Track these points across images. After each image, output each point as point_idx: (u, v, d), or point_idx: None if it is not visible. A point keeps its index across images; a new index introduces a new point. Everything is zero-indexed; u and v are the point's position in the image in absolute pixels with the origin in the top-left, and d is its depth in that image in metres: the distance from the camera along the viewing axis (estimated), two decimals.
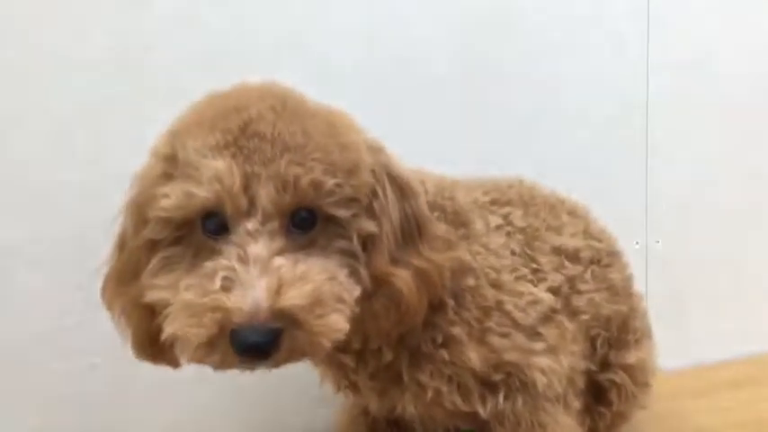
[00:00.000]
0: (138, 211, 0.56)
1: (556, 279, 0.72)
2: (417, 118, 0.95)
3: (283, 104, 0.56)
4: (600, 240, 0.78)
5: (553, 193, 0.80)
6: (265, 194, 0.52)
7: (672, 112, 1.02)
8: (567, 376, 0.70)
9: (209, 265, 0.52)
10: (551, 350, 0.68)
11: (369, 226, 0.57)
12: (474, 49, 0.95)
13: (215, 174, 0.52)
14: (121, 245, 0.60)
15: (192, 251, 0.55)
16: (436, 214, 0.66)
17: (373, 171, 0.58)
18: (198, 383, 0.98)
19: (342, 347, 0.65)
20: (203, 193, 0.52)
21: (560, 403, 0.70)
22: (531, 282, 0.70)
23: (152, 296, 0.55)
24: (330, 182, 0.54)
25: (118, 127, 0.87)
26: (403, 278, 0.58)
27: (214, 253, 0.53)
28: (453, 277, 0.64)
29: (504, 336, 0.67)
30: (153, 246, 0.56)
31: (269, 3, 0.89)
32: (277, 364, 0.53)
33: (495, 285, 0.67)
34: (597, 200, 0.82)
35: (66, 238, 0.90)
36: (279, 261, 0.51)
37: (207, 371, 0.95)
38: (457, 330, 0.65)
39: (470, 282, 0.66)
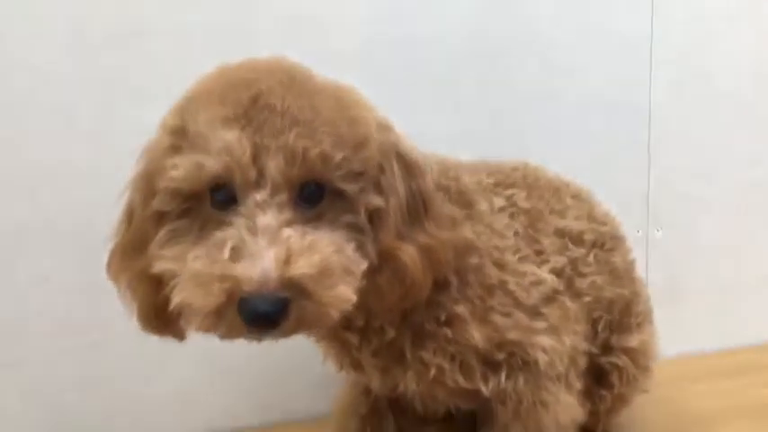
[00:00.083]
0: (147, 183, 0.57)
1: (559, 261, 0.72)
2: (424, 99, 0.95)
3: (292, 78, 0.56)
4: (604, 224, 0.79)
5: (557, 176, 0.80)
6: (274, 166, 0.52)
7: (674, 102, 1.02)
8: (569, 356, 0.71)
9: (218, 235, 0.52)
10: (553, 330, 0.69)
11: (376, 201, 0.57)
12: (484, 34, 0.95)
13: (225, 145, 0.52)
14: (128, 218, 0.60)
15: (200, 224, 0.55)
16: (440, 195, 0.67)
17: (381, 147, 0.58)
18: (199, 363, 0.98)
19: (345, 325, 0.65)
20: (213, 164, 0.52)
21: (562, 382, 0.70)
22: (534, 263, 0.70)
23: (159, 267, 0.55)
24: (338, 155, 0.54)
25: (120, 107, 0.88)
26: (409, 253, 0.58)
27: (222, 225, 0.53)
28: (457, 256, 0.64)
29: (507, 315, 0.67)
30: (160, 218, 0.56)
31: None
32: (284, 335, 0.53)
33: (499, 265, 0.68)
34: (599, 187, 0.83)
35: (68, 217, 0.90)
36: (287, 232, 0.52)
37: (208, 352, 0.97)
38: (460, 308, 0.65)
39: (474, 261, 0.66)
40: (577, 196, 0.79)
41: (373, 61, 0.93)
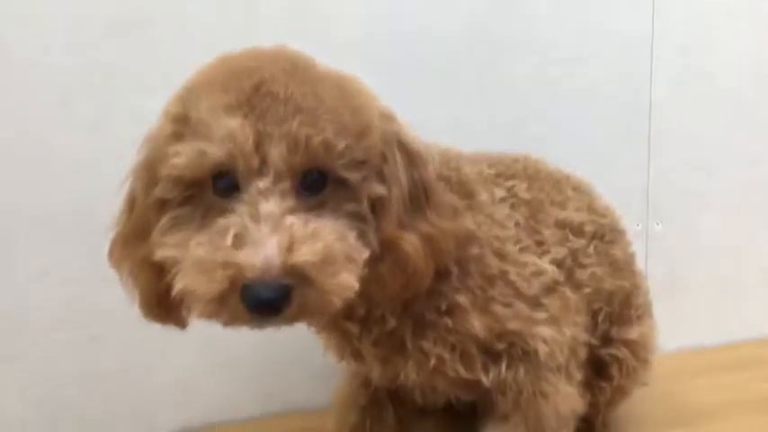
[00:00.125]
0: (149, 171, 0.57)
1: (559, 252, 0.72)
2: (423, 93, 0.95)
3: (295, 66, 0.56)
4: (603, 216, 0.79)
5: (558, 169, 0.81)
6: (277, 154, 0.52)
7: (675, 99, 1.03)
8: (570, 346, 0.71)
9: (220, 222, 0.52)
10: (554, 320, 0.69)
11: (378, 189, 0.57)
12: (484, 29, 0.96)
13: (228, 132, 0.52)
14: (130, 206, 0.60)
15: (202, 211, 0.55)
16: (441, 185, 0.67)
17: (384, 136, 0.58)
18: (200, 354, 0.98)
19: (346, 314, 0.66)
20: (216, 152, 0.52)
21: (562, 373, 0.70)
22: (534, 253, 0.70)
23: (161, 254, 0.55)
24: (341, 143, 0.54)
25: (118, 96, 0.87)
26: (411, 242, 0.58)
27: (225, 212, 0.53)
28: (458, 246, 0.64)
29: (508, 305, 0.67)
30: (162, 206, 0.56)
31: None
32: (287, 322, 0.53)
33: (500, 255, 0.68)
34: (599, 181, 0.83)
35: (68, 209, 0.90)
36: (290, 219, 0.52)
37: (209, 342, 0.97)
38: (461, 298, 0.66)
39: (475, 251, 0.67)
40: (578, 188, 0.79)
41: (374, 54, 0.93)
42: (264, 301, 0.50)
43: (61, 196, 0.89)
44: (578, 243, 0.74)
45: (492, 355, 0.68)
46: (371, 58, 0.93)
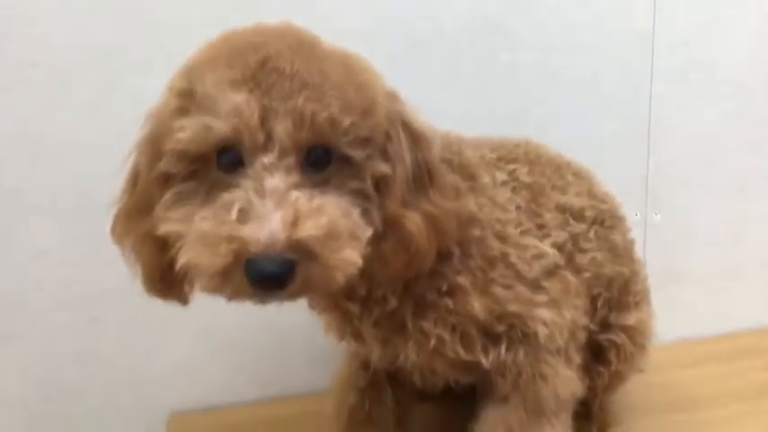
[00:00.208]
0: (153, 146, 0.57)
1: (560, 236, 0.73)
2: (426, 80, 0.95)
3: (301, 43, 0.56)
4: (604, 202, 0.80)
5: (559, 154, 0.81)
6: (283, 129, 0.52)
7: (675, 86, 1.03)
8: (569, 330, 0.71)
9: (225, 196, 0.52)
10: (554, 303, 0.69)
11: (382, 167, 0.57)
12: (485, 16, 0.95)
13: (233, 107, 0.52)
14: (133, 182, 0.60)
15: (206, 187, 0.55)
16: (444, 167, 0.67)
17: (388, 115, 0.58)
18: (199, 338, 0.99)
19: (347, 294, 0.66)
20: (221, 126, 0.52)
21: (561, 356, 0.71)
22: (535, 236, 0.71)
23: (165, 228, 0.55)
24: (346, 120, 0.54)
25: (119, 77, 0.87)
26: (414, 220, 0.59)
27: (229, 187, 0.53)
28: (460, 227, 0.65)
29: (508, 287, 0.67)
30: (166, 181, 0.56)
31: None
32: (290, 297, 0.53)
33: (501, 237, 0.68)
34: (599, 170, 0.83)
35: (68, 190, 0.90)
36: (295, 194, 0.52)
37: (208, 327, 0.97)
38: (462, 279, 0.66)
39: (476, 232, 0.67)
40: (578, 174, 0.80)
41: (375, 43, 0.93)
42: (268, 275, 0.50)
43: (61, 178, 0.90)
44: (579, 228, 0.75)
45: (492, 337, 0.68)
46: (373, 46, 0.91)
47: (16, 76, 0.85)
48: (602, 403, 0.86)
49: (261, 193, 0.52)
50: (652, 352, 0.84)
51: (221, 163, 0.54)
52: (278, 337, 1.00)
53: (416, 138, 0.61)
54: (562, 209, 0.74)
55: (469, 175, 0.69)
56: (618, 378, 0.82)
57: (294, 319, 0.92)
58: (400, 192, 0.59)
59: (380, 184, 0.58)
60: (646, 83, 1.02)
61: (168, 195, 0.56)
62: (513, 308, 0.67)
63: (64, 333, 0.95)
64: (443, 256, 0.65)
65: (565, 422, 0.73)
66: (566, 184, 0.76)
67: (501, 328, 0.68)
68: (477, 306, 0.66)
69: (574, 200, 0.75)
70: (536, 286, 0.69)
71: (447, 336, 0.67)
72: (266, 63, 0.54)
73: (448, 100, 0.95)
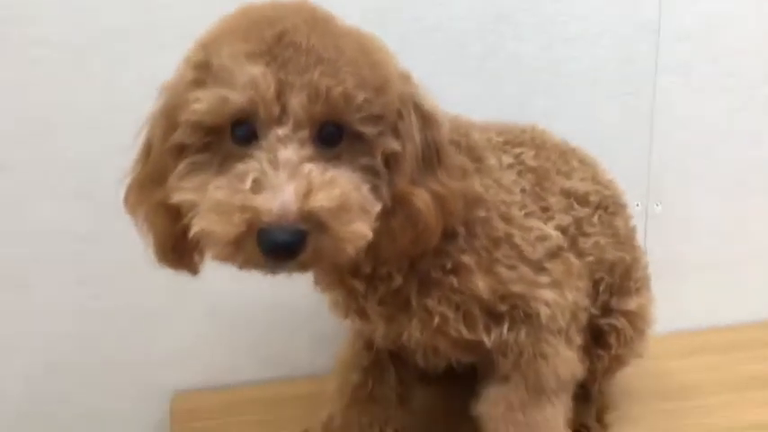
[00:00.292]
0: (168, 116, 0.58)
1: (564, 219, 0.74)
2: (429, 68, 0.96)
3: (316, 18, 0.57)
4: (607, 188, 0.81)
5: (565, 141, 0.82)
6: (297, 102, 0.53)
7: (679, 78, 1.04)
8: (571, 311, 0.72)
9: (239, 167, 0.53)
10: (556, 284, 0.70)
11: (393, 145, 0.58)
12: (492, 4, 0.96)
13: (250, 79, 0.53)
14: (146, 153, 0.61)
15: (220, 158, 0.56)
16: (452, 148, 0.68)
17: (401, 94, 0.59)
18: (202, 319, 1.00)
19: (352, 272, 0.67)
20: (237, 98, 0.53)
21: (562, 336, 0.72)
22: (540, 219, 0.72)
23: (179, 197, 0.56)
24: (360, 96, 0.55)
25: (130, 56, 0.88)
26: (422, 198, 0.60)
27: (243, 158, 0.54)
28: (466, 207, 0.66)
29: (512, 267, 0.69)
30: (180, 151, 0.57)
31: None
32: (300, 268, 0.54)
33: (506, 219, 0.69)
34: (601, 160, 0.84)
35: (76, 166, 0.91)
36: (308, 166, 0.53)
37: (211, 307, 0.98)
38: (466, 258, 0.67)
39: (482, 213, 0.68)
40: (583, 160, 0.81)
41: (381, 31, 0.93)
42: (280, 244, 0.51)
43: (70, 155, 0.90)
44: (583, 212, 0.76)
45: (494, 317, 0.69)
46: (379, 34, 0.93)
47: (27, 53, 0.86)
48: (601, 387, 0.87)
49: (275, 164, 0.53)
50: (649, 335, 0.85)
51: (235, 135, 0.55)
52: (282, 318, 1.01)
53: (427, 118, 0.62)
54: (567, 193, 0.75)
55: (476, 157, 0.70)
56: (617, 362, 0.83)
57: (299, 299, 0.93)
58: (409, 169, 0.60)
59: (390, 161, 0.59)
60: (650, 74, 1.03)
61: (182, 166, 0.56)
62: (516, 288, 0.69)
63: (64, 311, 0.96)
64: (449, 235, 0.66)
65: (565, 402, 0.74)
66: (570, 170, 0.78)
67: (504, 308, 0.69)
68: (481, 285, 0.67)
69: (578, 185, 0.77)
70: (539, 267, 0.70)
71: (450, 314, 0.68)
72: (283, 37, 0.54)
73: (453, 88, 0.96)
